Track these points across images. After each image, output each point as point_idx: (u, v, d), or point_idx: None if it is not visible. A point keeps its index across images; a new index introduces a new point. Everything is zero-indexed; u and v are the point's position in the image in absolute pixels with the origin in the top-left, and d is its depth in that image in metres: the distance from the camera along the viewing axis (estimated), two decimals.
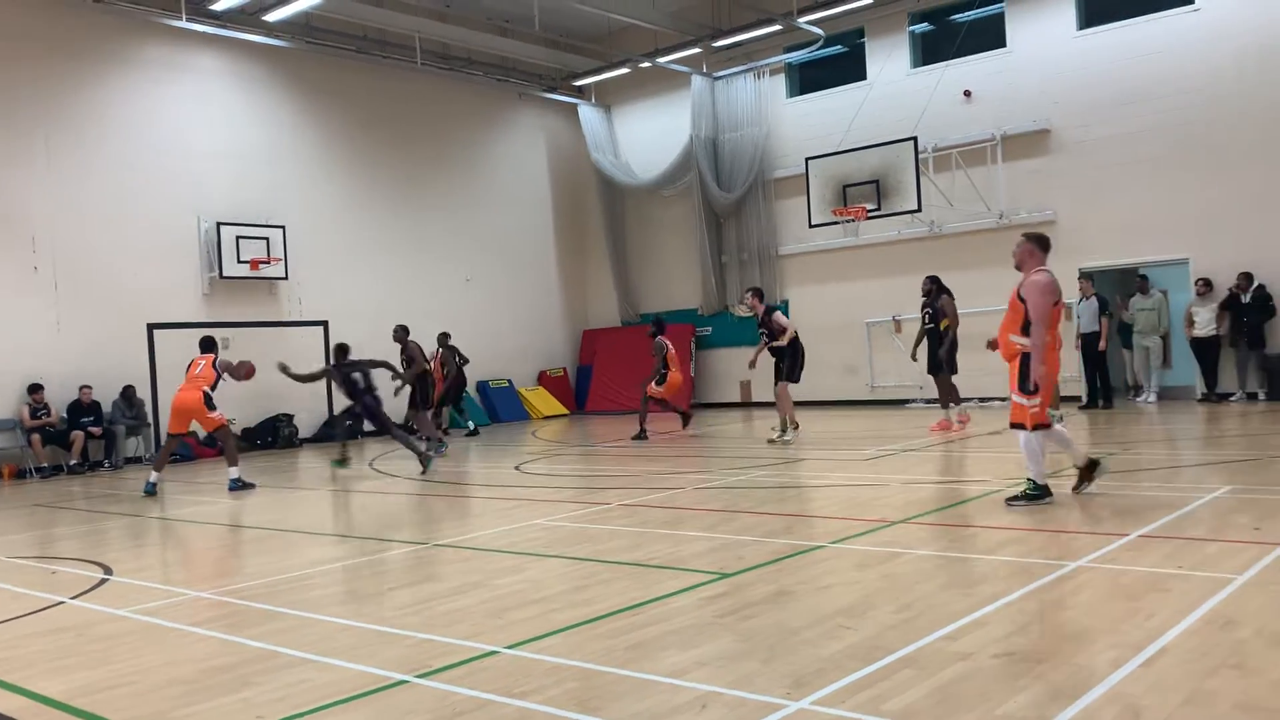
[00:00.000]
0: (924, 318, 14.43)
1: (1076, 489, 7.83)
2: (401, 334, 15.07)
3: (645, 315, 23.80)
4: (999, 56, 18.67)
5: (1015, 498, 7.66)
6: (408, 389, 14.90)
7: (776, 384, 13.60)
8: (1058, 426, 7.88)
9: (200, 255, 17.97)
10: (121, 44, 17.28)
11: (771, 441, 12.26)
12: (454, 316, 20.82)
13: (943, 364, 13.81)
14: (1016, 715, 3.47)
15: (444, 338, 17.90)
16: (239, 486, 11.73)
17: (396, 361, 14.80)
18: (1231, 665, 3.83)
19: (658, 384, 15.97)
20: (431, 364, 17.13)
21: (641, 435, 15.46)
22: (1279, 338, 15.93)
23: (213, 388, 11.77)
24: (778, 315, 13.59)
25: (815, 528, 7.36)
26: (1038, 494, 7.57)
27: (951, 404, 14.01)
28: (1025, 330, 7.52)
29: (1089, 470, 7.81)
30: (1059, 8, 18.03)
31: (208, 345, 12.26)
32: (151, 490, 11.70)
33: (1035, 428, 7.57)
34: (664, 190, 23.05)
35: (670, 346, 15.87)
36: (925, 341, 14.42)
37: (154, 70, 17.67)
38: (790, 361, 13.47)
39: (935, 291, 14.17)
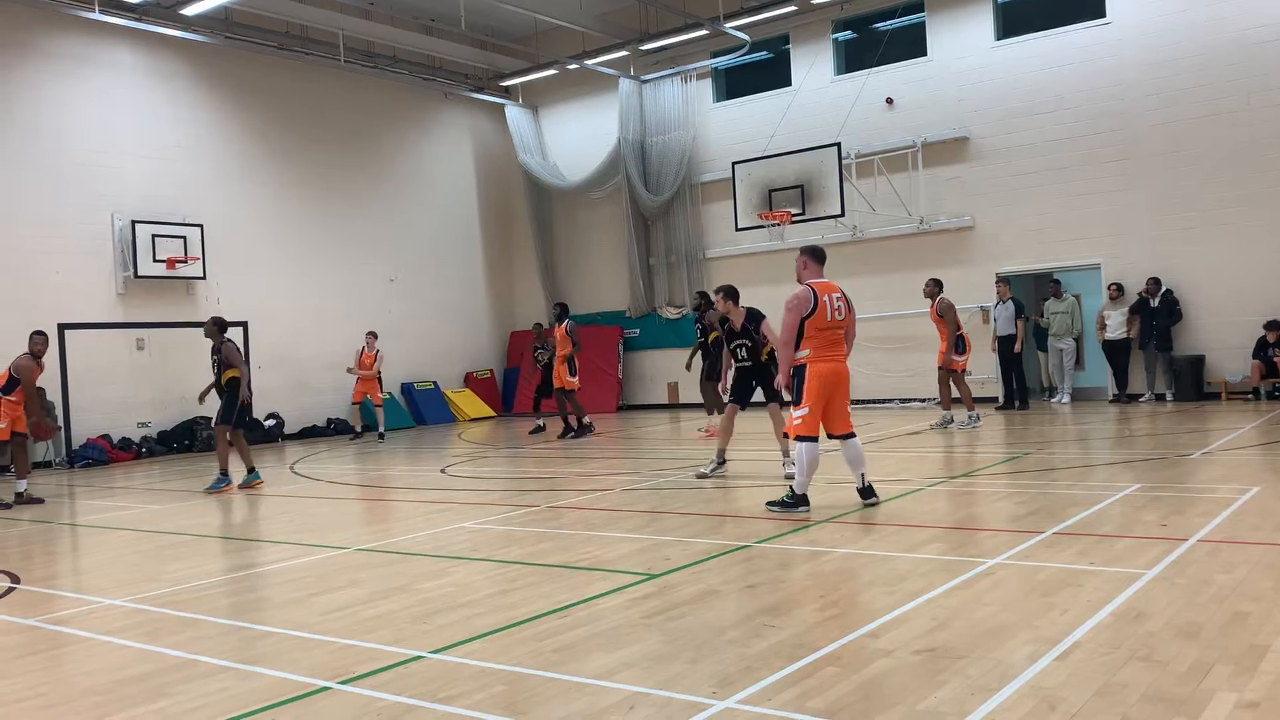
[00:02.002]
0: (698, 331, 14.98)
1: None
2: (214, 328, 11.47)
3: (571, 317, 23.68)
4: (920, 65, 19.03)
5: (774, 502, 7.88)
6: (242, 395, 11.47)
7: (767, 405, 10.24)
8: (813, 447, 7.66)
9: (114, 254, 17.45)
10: (31, 35, 16.67)
11: (791, 477, 9.98)
12: (378, 318, 20.57)
13: (716, 374, 13.94)
14: (938, 710, 3.55)
15: (538, 328, 17.91)
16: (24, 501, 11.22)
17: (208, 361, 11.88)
18: (1141, 657, 3.97)
19: (570, 374, 16.01)
20: (551, 352, 16.88)
21: (587, 425, 16.08)
22: (1185, 341, 16.51)
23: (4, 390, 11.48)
24: (768, 324, 9.98)
25: (741, 527, 7.41)
26: (793, 503, 7.70)
27: (717, 411, 14.23)
28: (796, 345, 7.65)
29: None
30: (978, 19, 18.45)
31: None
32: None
33: (798, 439, 7.63)
34: (592, 193, 23.03)
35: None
36: (700, 353, 15.02)
37: (65, 64, 17.10)
38: (769, 378, 9.76)
39: (705, 306, 14.70)
